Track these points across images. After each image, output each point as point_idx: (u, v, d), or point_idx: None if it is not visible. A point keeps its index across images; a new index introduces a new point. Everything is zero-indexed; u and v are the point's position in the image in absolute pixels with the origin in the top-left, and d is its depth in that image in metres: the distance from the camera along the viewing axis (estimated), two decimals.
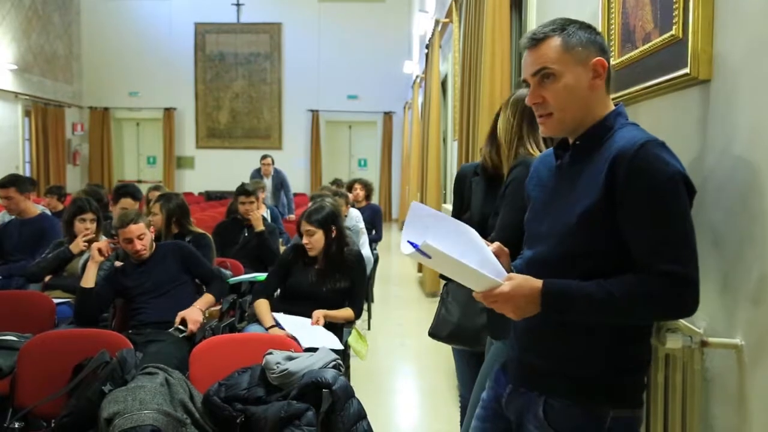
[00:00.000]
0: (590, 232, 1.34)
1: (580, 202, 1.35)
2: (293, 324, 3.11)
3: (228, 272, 4.12)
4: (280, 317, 3.18)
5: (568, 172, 1.44)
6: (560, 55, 1.37)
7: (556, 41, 1.38)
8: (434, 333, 2.44)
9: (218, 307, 3.60)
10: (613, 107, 1.43)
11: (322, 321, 3.15)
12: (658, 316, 1.42)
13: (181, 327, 3.11)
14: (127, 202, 4.55)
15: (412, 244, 1.24)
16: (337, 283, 3.30)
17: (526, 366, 1.48)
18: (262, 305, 3.29)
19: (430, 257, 1.25)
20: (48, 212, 5.12)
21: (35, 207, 4.79)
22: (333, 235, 3.32)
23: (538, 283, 1.33)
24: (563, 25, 1.40)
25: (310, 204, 3.76)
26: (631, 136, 1.32)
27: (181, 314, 3.14)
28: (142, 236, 3.28)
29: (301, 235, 3.36)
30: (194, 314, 3.17)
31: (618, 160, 1.30)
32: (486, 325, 2.22)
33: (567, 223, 1.37)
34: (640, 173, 1.27)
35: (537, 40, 1.40)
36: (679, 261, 1.27)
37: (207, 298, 3.36)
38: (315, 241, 3.29)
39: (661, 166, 1.27)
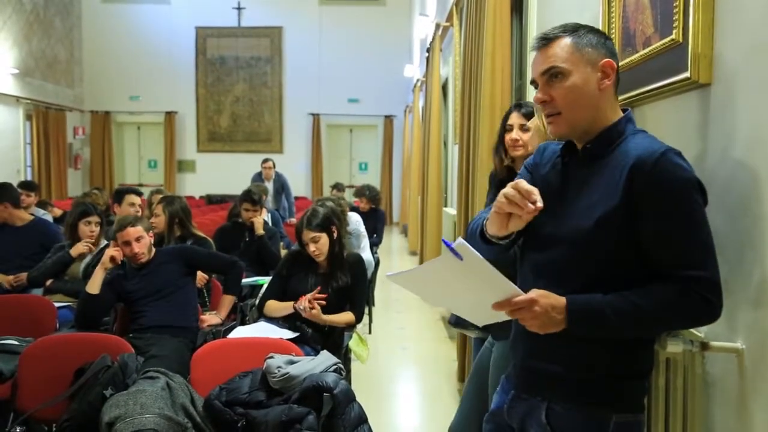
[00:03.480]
0: (606, 236, 1.33)
1: (598, 207, 1.34)
2: (260, 329, 3.13)
3: None
4: (261, 326, 3.17)
5: (578, 175, 1.43)
6: (569, 55, 1.38)
7: (566, 41, 1.39)
8: (450, 320, 2.52)
9: None
10: (622, 113, 1.43)
11: (314, 312, 3.06)
12: (687, 324, 1.39)
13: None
14: (133, 198, 4.68)
15: (445, 243, 1.22)
16: (338, 280, 3.24)
17: (528, 371, 1.48)
18: (273, 304, 3.26)
19: (462, 259, 1.22)
20: (48, 216, 5.11)
21: (26, 214, 4.53)
22: (335, 235, 3.28)
23: (562, 298, 1.31)
24: (574, 28, 1.41)
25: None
26: (647, 145, 1.33)
27: (202, 321, 3.38)
28: (140, 239, 3.26)
29: (302, 244, 3.28)
30: (213, 320, 3.44)
31: (638, 168, 1.30)
32: (489, 324, 2.24)
33: (582, 226, 1.36)
34: (662, 181, 1.28)
35: (547, 41, 1.41)
36: (705, 266, 1.27)
37: (228, 302, 3.55)
38: (322, 245, 3.21)
39: (681, 173, 1.29)
